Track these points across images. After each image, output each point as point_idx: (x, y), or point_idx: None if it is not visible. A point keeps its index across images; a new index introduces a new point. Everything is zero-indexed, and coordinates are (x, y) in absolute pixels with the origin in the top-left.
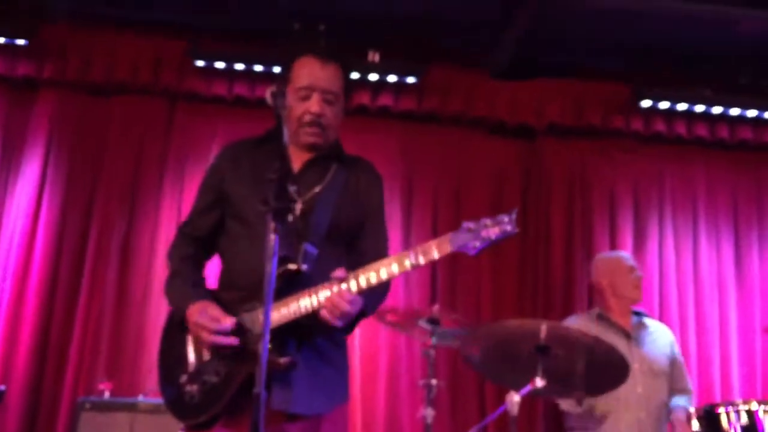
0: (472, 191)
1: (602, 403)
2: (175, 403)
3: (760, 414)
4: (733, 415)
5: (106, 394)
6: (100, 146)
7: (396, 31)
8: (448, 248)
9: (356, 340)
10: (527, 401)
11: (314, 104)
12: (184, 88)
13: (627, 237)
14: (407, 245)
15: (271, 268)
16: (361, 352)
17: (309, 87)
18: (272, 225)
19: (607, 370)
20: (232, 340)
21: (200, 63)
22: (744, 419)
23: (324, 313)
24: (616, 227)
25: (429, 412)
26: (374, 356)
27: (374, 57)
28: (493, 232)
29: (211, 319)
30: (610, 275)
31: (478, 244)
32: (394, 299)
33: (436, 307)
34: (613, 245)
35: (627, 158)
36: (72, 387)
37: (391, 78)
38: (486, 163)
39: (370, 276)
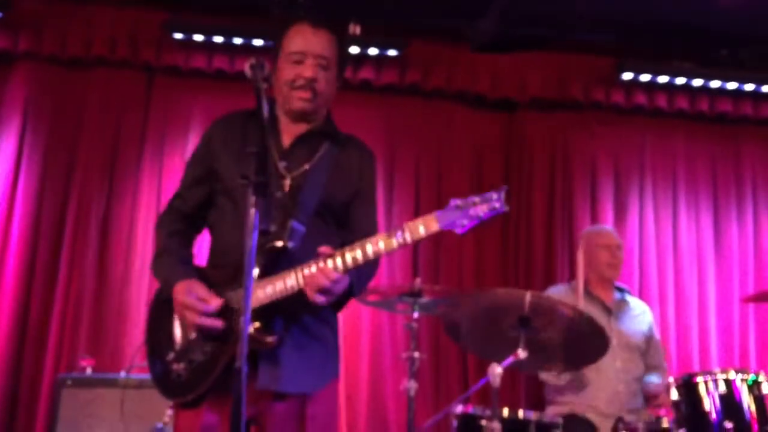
0: (454, 164)
1: (582, 375)
2: (162, 380)
3: (738, 383)
4: (711, 384)
5: (88, 371)
6: (77, 121)
7: (377, 4)
8: (435, 226)
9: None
10: (509, 373)
11: (307, 69)
12: (163, 62)
13: (607, 209)
14: (389, 219)
15: (251, 244)
16: (343, 325)
17: (302, 52)
18: (252, 199)
19: (587, 342)
20: (218, 323)
21: (178, 36)
22: (722, 388)
23: (306, 289)
24: (596, 199)
25: (412, 385)
26: (357, 330)
27: (355, 30)
28: (481, 209)
29: (197, 299)
30: (585, 253)
31: (465, 222)
32: (377, 279)
33: (417, 280)
34: (594, 217)
35: (608, 131)
36: (53, 364)
37: (373, 51)
38: (468, 136)
39: (356, 254)
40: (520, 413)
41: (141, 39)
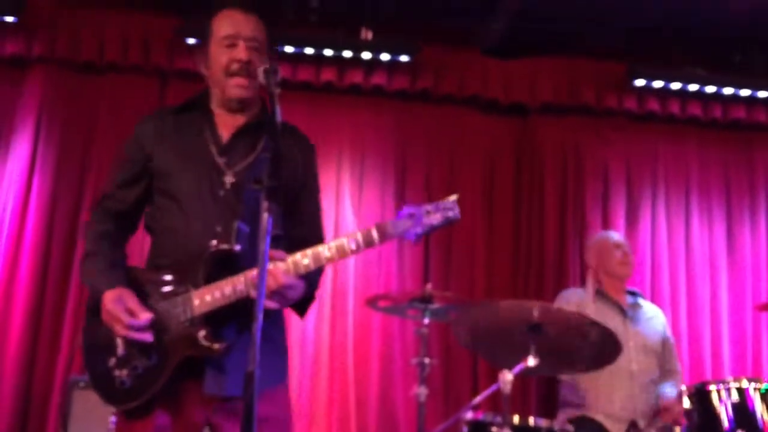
0: (465, 170)
1: (597, 375)
2: (104, 386)
3: (751, 392)
4: (723, 393)
5: None
6: (91, 125)
7: (389, 9)
8: (389, 233)
9: (349, 317)
10: (520, 379)
11: (241, 51)
12: (176, 67)
13: (620, 216)
14: None
15: (265, 248)
16: (354, 331)
17: (234, 35)
18: (265, 204)
19: (599, 348)
20: (146, 336)
21: (191, 41)
22: (735, 396)
23: (255, 293)
24: (608, 206)
25: (422, 391)
26: (367, 335)
27: (367, 35)
28: (435, 218)
29: (125, 311)
30: (598, 255)
31: (419, 230)
32: (387, 285)
33: (428, 286)
34: (606, 224)
35: (620, 137)
36: (65, 366)
37: (384, 56)
38: (479, 141)
39: (309, 260)
40: (531, 420)
41: (154, 44)
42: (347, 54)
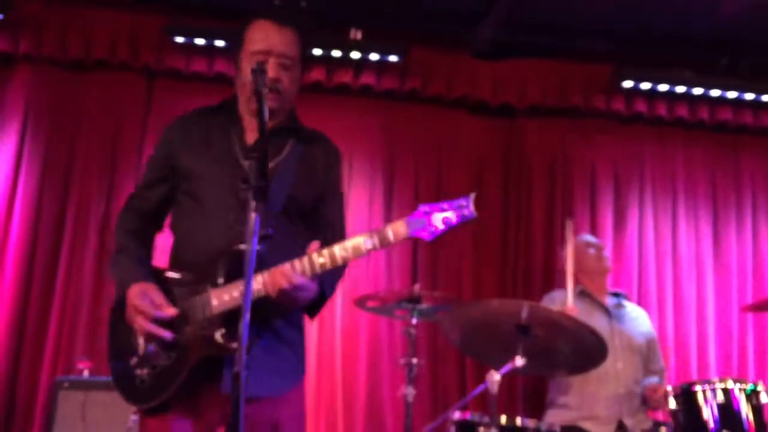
0: (453, 171)
1: (584, 376)
2: (126, 385)
3: (736, 392)
4: (709, 393)
5: (86, 373)
6: (77, 124)
7: (378, 10)
8: (404, 233)
9: (337, 318)
10: (508, 379)
11: (270, 69)
12: (163, 65)
13: (607, 216)
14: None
15: (251, 248)
16: (342, 331)
17: (265, 51)
18: (253, 204)
19: (586, 349)
20: (166, 334)
21: (179, 39)
22: (720, 397)
23: (269, 291)
24: (596, 207)
25: (410, 391)
26: (355, 335)
27: (356, 35)
28: (451, 216)
29: (151, 304)
30: (576, 256)
31: (434, 229)
32: (375, 285)
33: (417, 286)
34: (593, 225)
35: (608, 139)
36: (51, 366)
37: (374, 56)
38: (467, 142)
39: (324, 260)
40: (518, 420)
41: (141, 42)
42: (336, 54)
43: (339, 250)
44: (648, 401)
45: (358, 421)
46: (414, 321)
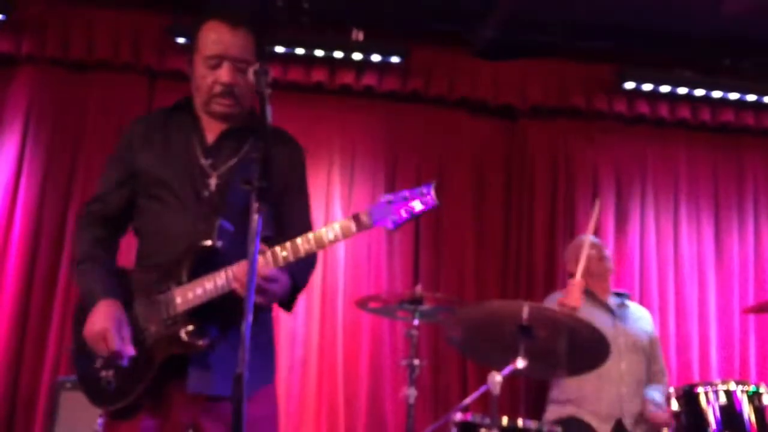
0: (455, 171)
1: (587, 375)
2: (91, 387)
3: (738, 394)
4: (711, 395)
5: None
6: (79, 124)
7: (380, 10)
8: (366, 222)
9: (338, 318)
10: (509, 381)
11: (224, 74)
12: (165, 66)
13: (609, 218)
14: None
15: (254, 249)
16: (343, 332)
17: (219, 56)
18: (255, 205)
19: (589, 349)
20: (122, 363)
21: (181, 40)
22: (722, 399)
23: (235, 286)
24: None
25: (411, 392)
26: (357, 337)
27: (358, 36)
28: (414, 205)
29: (117, 338)
30: (576, 259)
31: (396, 217)
32: (377, 286)
33: (418, 287)
34: (595, 225)
35: (610, 139)
36: (52, 367)
37: (375, 57)
38: (469, 143)
39: (287, 254)
40: (520, 422)
41: (143, 43)
42: (338, 55)
43: (301, 242)
44: (649, 421)
45: (360, 422)
46: (416, 322)
